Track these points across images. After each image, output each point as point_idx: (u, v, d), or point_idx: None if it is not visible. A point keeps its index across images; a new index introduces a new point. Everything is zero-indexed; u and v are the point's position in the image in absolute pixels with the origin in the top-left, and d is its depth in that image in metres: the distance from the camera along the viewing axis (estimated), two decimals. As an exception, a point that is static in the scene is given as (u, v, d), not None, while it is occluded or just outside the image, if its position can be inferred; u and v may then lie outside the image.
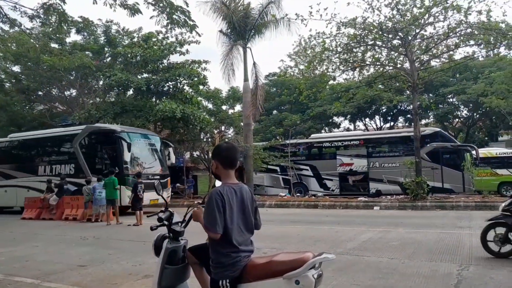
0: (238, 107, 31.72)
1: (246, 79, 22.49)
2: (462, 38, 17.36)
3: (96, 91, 25.99)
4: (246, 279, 2.66)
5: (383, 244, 7.48)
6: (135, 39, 24.08)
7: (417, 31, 17.05)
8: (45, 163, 17.91)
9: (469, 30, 16.41)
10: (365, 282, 4.89)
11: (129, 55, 21.76)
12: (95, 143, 16.97)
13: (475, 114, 30.72)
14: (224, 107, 29.90)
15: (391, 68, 19.47)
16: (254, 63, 23.02)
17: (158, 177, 16.05)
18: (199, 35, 10.19)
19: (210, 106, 28.11)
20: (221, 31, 23.07)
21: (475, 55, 20.21)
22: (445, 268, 5.36)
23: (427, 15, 16.33)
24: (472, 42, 17.65)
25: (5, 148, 19.64)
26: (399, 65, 19.43)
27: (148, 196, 13.96)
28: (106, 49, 25.39)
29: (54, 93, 27.61)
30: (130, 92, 23.18)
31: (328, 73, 20.93)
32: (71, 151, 17.04)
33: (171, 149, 18.61)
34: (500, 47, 17.58)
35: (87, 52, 23.87)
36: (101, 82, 24.66)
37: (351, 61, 20.17)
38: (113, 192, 13.22)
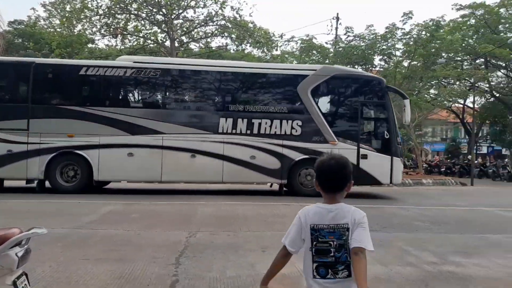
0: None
1: (-21, 21, 18.29)
2: (218, 28, 19.08)
3: None
4: None
5: (123, 216, 7.46)
6: None
7: (180, 11, 17.70)
8: (236, 116, 10.96)
9: (223, 22, 18.09)
10: (96, 255, 4.73)
11: None
12: (344, 93, 11.88)
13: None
14: None
15: (152, 42, 19.60)
16: (-7, 3, 18.99)
17: None
18: None
19: None
20: None
21: (228, 47, 22.59)
22: (176, 237, 5.75)
23: (190, -2, 17.12)
24: (226, 34, 19.63)
25: (137, 78, 11.12)
26: (160, 41, 19.77)
27: None
28: None
29: None
30: None
31: (86, 34, 19.36)
32: (294, 102, 11.35)
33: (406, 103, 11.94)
34: (246, 44, 20.23)
35: None
36: None
37: (113, 27, 19.22)
38: None
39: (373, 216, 7.59)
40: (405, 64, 23.25)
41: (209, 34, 19.38)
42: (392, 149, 11.21)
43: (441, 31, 22.26)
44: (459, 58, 26.04)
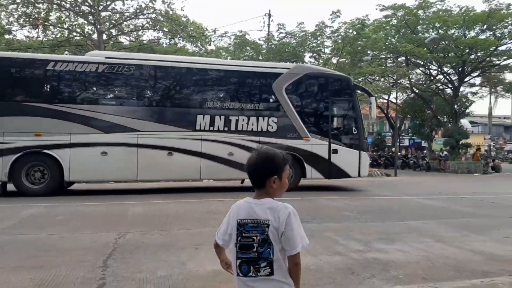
0: None
1: None
2: (149, 21, 18.49)
3: None
4: None
5: (46, 219, 6.99)
6: None
7: (108, 3, 16.89)
8: (213, 113, 11.00)
9: (154, 15, 17.58)
10: (13, 263, 4.37)
11: None
12: (316, 91, 12.22)
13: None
14: None
15: (78, 35, 18.51)
16: None
17: None
18: None
19: None
20: None
21: (160, 41, 21.97)
22: (104, 239, 5.50)
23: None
24: (158, 27, 19.09)
25: (110, 74, 10.57)
26: (87, 34, 18.74)
27: None
28: None
29: None
30: None
31: (2, 25, 17.82)
32: (270, 99, 11.74)
33: (372, 100, 12.97)
34: (179, 38, 19.82)
35: None
36: None
37: (32, 17, 17.89)
38: None
39: (304, 208, 7.84)
40: (334, 61, 24.20)
41: (140, 27, 18.73)
42: (359, 144, 11.91)
43: (366, 29, 23.46)
44: (383, 56, 27.62)
